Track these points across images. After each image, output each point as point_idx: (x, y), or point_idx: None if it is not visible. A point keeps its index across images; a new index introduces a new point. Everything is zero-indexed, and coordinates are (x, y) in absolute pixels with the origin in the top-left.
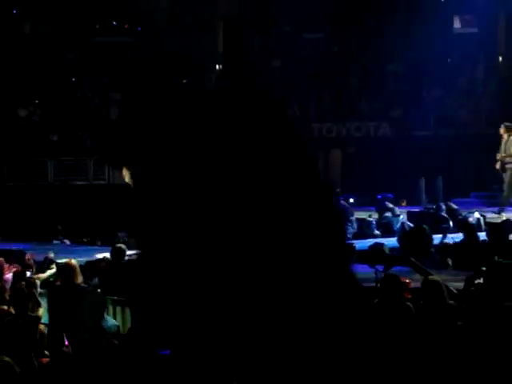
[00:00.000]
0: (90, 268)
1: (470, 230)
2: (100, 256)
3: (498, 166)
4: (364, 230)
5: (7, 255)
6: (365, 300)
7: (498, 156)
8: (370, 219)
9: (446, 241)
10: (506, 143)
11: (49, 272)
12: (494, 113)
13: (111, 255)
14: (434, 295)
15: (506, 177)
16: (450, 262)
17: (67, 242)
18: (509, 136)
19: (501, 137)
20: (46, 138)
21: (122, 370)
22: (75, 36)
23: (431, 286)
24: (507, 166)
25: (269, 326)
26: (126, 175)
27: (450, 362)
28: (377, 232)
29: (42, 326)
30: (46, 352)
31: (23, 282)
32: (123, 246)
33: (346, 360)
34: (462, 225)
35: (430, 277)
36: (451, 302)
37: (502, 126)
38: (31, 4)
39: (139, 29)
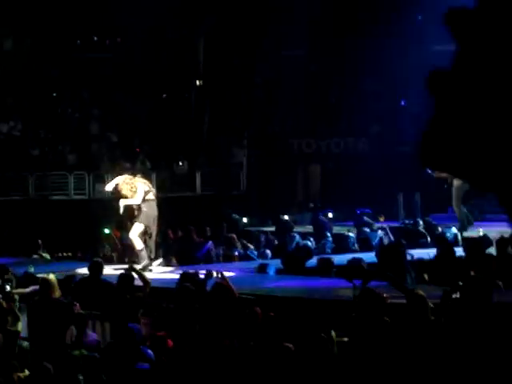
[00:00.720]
0: (67, 283)
1: (445, 244)
2: (80, 271)
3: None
4: (342, 244)
5: None
6: None
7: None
8: (349, 234)
9: (422, 256)
10: None
11: (31, 288)
12: None
13: (89, 269)
14: (419, 310)
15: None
16: (426, 276)
17: (47, 256)
18: None
19: None
20: (26, 153)
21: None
22: (56, 51)
23: (416, 301)
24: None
25: None
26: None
27: (430, 375)
28: (355, 247)
29: (22, 341)
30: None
31: (2, 297)
32: (100, 260)
33: None
34: (439, 240)
35: (415, 291)
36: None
37: None
38: (12, 20)
39: (119, 44)
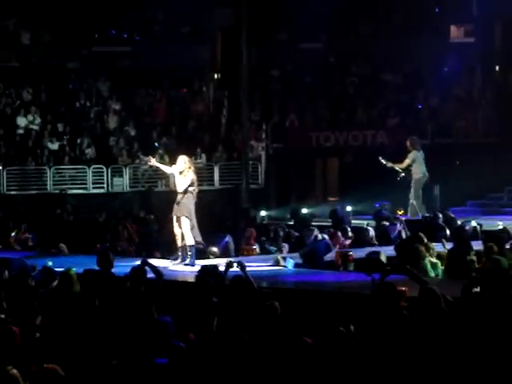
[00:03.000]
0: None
1: (461, 239)
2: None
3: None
4: (361, 238)
5: (6, 263)
6: None
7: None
8: (367, 227)
9: (441, 249)
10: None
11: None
12: (491, 122)
13: (98, 264)
14: (431, 304)
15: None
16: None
17: (65, 251)
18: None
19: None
20: (45, 147)
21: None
22: (74, 45)
23: (428, 295)
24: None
25: None
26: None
27: (446, 369)
28: (373, 240)
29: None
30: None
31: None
32: (109, 253)
33: None
34: (457, 233)
35: (426, 285)
36: (446, 309)
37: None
38: (30, 14)
39: (137, 38)
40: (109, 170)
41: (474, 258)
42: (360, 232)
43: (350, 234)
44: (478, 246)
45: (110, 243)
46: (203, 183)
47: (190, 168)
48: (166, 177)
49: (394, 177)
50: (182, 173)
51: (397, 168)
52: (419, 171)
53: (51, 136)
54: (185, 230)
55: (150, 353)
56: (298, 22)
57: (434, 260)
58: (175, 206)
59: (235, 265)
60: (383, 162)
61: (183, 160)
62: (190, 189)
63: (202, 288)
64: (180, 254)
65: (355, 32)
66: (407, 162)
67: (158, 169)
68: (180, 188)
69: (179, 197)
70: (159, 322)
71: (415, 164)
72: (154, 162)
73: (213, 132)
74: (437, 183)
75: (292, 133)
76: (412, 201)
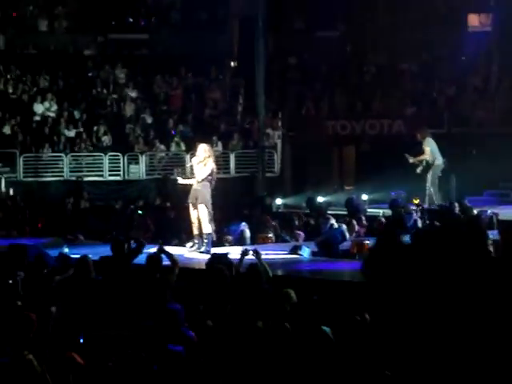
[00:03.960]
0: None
1: (479, 227)
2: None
3: (418, 170)
4: (374, 227)
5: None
6: None
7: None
8: (379, 217)
9: None
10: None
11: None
12: (508, 111)
13: (112, 249)
14: None
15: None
16: None
17: (81, 237)
18: (423, 139)
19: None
20: (61, 134)
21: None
22: (91, 32)
23: None
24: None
25: None
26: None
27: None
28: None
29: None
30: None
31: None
32: (121, 238)
33: None
34: (472, 222)
35: None
36: None
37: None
38: (47, 1)
39: (154, 26)
40: (125, 158)
41: (492, 247)
42: (374, 221)
43: (364, 222)
44: (494, 235)
45: (126, 231)
46: (220, 171)
47: (209, 157)
48: (182, 164)
49: (411, 166)
50: (201, 161)
51: (421, 159)
52: (438, 158)
53: (68, 123)
54: (202, 217)
55: (161, 340)
56: (315, 10)
57: None
58: (192, 194)
59: (251, 253)
60: (410, 159)
61: (203, 148)
62: (209, 178)
63: (213, 275)
64: (196, 241)
65: (372, 21)
66: (428, 149)
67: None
68: (199, 177)
69: (197, 185)
70: (169, 309)
71: (432, 151)
72: (181, 180)
73: (229, 120)
74: (453, 173)
75: (308, 121)
76: (428, 189)
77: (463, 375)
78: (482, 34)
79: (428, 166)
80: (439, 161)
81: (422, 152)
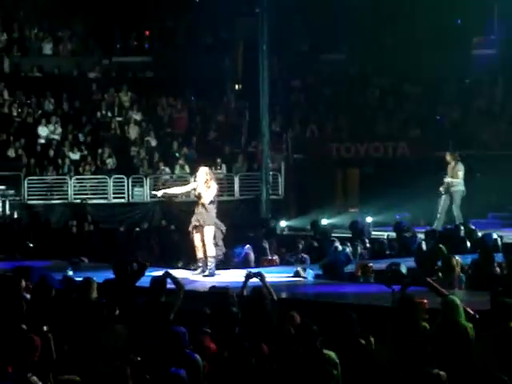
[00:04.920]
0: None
1: (485, 250)
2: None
3: (442, 188)
4: (378, 249)
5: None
6: None
7: (447, 179)
8: (385, 239)
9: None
10: (452, 168)
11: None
12: None
13: (114, 271)
14: (451, 315)
15: (442, 200)
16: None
17: (85, 260)
18: (455, 162)
19: (447, 163)
20: (66, 157)
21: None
22: (96, 55)
23: (448, 306)
24: (452, 189)
25: None
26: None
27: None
28: (390, 252)
29: None
30: None
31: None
32: (123, 260)
33: None
34: (478, 245)
35: (448, 297)
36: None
37: (447, 153)
38: (52, 24)
39: (159, 49)
40: (129, 180)
41: (498, 269)
42: (376, 243)
43: (367, 244)
44: (498, 258)
45: (130, 253)
46: (223, 193)
47: (211, 179)
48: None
49: (415, 188)
50: (205, 183)
51: (456, 181)
52: (463, 183)
53: (72, 146)
54: (207, 240)
55: (165, 362)
56: (320, 32)
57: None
58: (195, 217)
59: (255, 276)
60: (446, 178)
61: (204, 171)
62: (214, 199)
63: (219, 300)
64: (200, 264)
65: (376, 43)
66: (461, 174)
67: (172, 194)
68: (206, 200)
69: (201, 208)
70: (173, 331)
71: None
72: (160, 192)
73: (233, 142)
74: None
75: (312, 144)
76: (456, 213)
77: None
78: (486, 57)
79: (448, 187)
80: (463, 186)
81: (455, 174)
